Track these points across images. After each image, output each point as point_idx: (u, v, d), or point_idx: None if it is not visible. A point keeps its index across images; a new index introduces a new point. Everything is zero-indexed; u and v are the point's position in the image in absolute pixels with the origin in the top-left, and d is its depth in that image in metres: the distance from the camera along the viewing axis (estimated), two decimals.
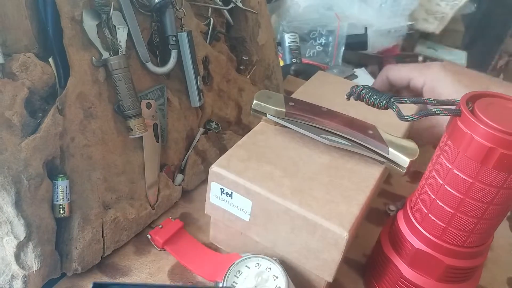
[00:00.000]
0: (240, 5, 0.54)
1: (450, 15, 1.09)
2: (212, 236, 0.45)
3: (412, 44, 1.13)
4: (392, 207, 0.45)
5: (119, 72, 0.38)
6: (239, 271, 0.37)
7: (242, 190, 0.36)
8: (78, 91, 0.36)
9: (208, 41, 0.51)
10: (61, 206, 0.36)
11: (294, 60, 0.82)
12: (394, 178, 0.57)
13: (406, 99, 0.34)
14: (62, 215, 0.36)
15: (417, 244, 0.35)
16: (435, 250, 0.34)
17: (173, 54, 0.44)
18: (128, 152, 0.42)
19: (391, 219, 0.40)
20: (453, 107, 0.31)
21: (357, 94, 0.37)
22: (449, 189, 0.31)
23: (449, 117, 0.32)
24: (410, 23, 0.97)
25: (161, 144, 0.45)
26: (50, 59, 0.35)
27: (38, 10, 0.34)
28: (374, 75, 0.91)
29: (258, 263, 0.37)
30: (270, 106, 0.42)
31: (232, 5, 0.54)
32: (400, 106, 0.34)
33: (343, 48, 0.90)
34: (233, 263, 0.37)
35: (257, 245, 0.39)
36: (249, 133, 0.42)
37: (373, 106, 0.36)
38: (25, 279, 0.35)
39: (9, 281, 0.35)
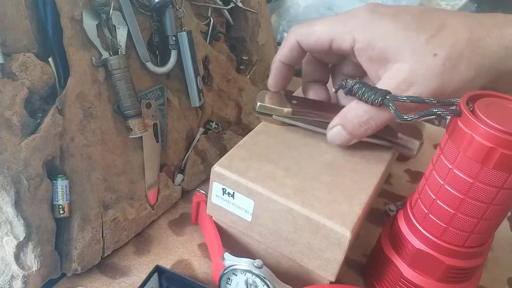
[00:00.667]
0: (240, 5, 0.54)
1: None
2: None
3: None
4: (392, 207, 0.45)
5: (119, 72, 0.38)
6: (229, 278, 0.37)
7: (244, 190, 0.36)
8: (77, 91, 0.36)
9: (208, 41, 0.51)
10: (60, 206, 0.36)
11: None
12: (394, 178, 0.57)
13: (404, 98, 0.33)
14: (61, 215, 0.36)
15: (418, 244, 0.35)
16: (435, 250, 0.34)
17: (173, 54, 0.44)
18: (128, 152, 0.42)
19: (391, 219, 0.40)
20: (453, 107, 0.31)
21: (348, 89, 0.36)
22: (449, 189, 0.31)
23: None
24: None
25: (161, 144, 0.45)
26: (50, 59, 0.35)
27: (37, 9, 0.34)
28: None
29: (242, 270, 0.37)
30: (275, 107, 0.42)
31: (232, 5, 0.54)
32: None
33: None
34: (222, 272, 0.37)
35: (260, 245, 0.39)
36: (250, 133, 0.42)
37: (366, 103, 0.35)
38: (25, 279, 0.35)
39: (9, 281, 0.35)
